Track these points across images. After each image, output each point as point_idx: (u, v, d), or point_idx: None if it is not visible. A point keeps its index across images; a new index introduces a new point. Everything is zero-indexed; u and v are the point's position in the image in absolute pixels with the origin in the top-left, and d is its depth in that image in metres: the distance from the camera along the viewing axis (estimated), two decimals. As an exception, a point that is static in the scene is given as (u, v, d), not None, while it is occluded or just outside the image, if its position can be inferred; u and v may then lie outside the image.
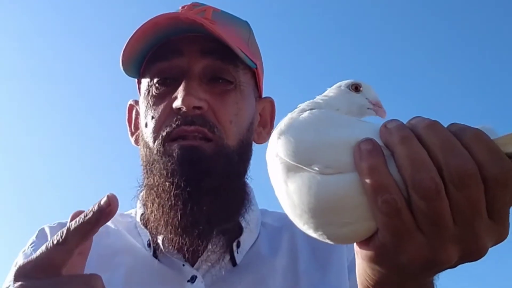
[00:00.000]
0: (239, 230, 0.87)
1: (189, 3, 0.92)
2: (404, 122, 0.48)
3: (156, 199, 0.82)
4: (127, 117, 0.98)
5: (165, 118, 0.83)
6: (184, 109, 0.81)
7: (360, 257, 0.51)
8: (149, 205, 0.84)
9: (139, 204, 0.92)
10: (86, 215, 0.56)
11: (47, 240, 0.82)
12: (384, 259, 0.48)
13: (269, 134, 0.96)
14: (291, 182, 0.49)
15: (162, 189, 0.81)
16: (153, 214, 0.83)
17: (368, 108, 0.55)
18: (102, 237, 0.89)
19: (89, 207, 0.57)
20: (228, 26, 0.88)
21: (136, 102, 0.96)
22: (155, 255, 0.86)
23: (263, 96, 0.97)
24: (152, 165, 0.83)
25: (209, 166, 0.81)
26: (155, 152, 0.83)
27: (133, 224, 0.92)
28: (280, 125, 0.51)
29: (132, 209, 0.96)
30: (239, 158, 0.86)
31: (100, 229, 0.88)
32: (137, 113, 0.95)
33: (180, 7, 0.91)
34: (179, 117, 0.81)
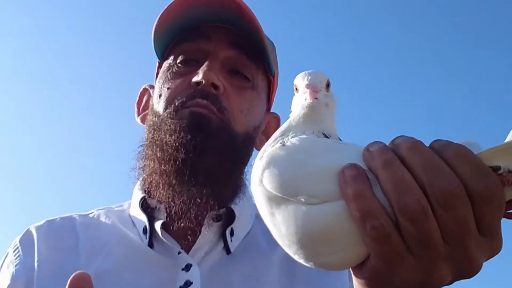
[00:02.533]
0: (232, 218, 0.86)
1: None
2: (387, 143, 0.48)
3: (158, 150, 0.83)
4: (137, 100, 0.99)
5: (182, 90, 0.85)
6: (203, 82, 0.83)
7: (355, 280, 0.51)
8: (148, 160, 0.85)
9: (137, 191, 0.91)
10: None
11: (32, 246, 0.85)
12: (378, 283, 0.48)
13: None
14: (278, 213, 0.48)
15: (167, 140, 0.82)
16: (151, 166, 0.84)
17: (307, 102, 0.52)
18: (93, 229, 0.89)
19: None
20: (260, 25, 0.89)
21: (151, 87, 0.97)
22: (150, 243, 0.84)
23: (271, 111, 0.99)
24: (160, 125, 0.84)
25: (215, 132, 0.82)
26: (165, 115, 0.84)
27: (127, 215, 0.91)
28: (263, 158, 0.51)
29: (126, 201, 0.95)
30: (243, 146, 0.87)
31: (89, 222, 0.90)
32: (149, 96, 0.96)
33: None
34: (195, 90, 0.83)
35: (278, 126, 0.98)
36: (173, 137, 0.81)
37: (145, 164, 0.88)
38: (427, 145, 0.47)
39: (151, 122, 0.87)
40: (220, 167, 0.82)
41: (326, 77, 0.54)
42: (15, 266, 0.84)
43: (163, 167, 0.82)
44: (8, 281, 0.82)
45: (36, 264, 0.83)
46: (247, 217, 0.89)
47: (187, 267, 0.81)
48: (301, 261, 0.49)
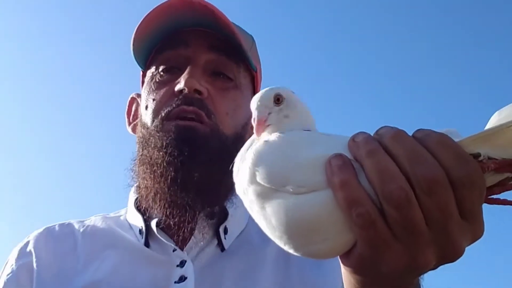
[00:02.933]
0: (225, 216, 0.88)
1: None
2: (371, 134, 0.50)
3: (148, 167, 0.85)
4: (126, 109, 1.01)
5: (166, 100, 0.87)
6: (186, 90, 0.85)
7: (343, 268, 0.52)
8: (141, 175, 0.87)
9: (132, 193, 0.95)
10: None
11: (30, 254, 0.87)
12: (366, 269, 0.49)
13: None
14: (267, 205, 0.50)
15: (155, 158, 0.84)
16: (144, 183, 0.86)
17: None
18: (90, 234, 0.92)
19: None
20: (235, 27, 0.91)
21: (138, 95, 0.99)
22: (146, 243, 0.87)
23: None
24: (148, 140, 0.86)
25: (204, 143, 0.84)
26: (152, 128, 0.86)
27: (124, 219, 0.94)
28: (250, 153, 0.52)
29: (122, 209, 0.98)
30: (234, 147, 0.86)
31: (87, 227, 0.93)
32: (138, 105, 0.98)
33: None
34: (180, 97, 0.85)
35: None
36: (161, 153, 0.83)
37: (138, 181, 0.91)
38: (410, 134, 0.49)
39: (141, 134, 0.90)
40: (211, 178, 0.84)
41: (273, 93, 0.54)
42: (7, 275, 0.87)
43: (156, 185, 0.84)
44: None
45: (35, 270, 0.87)
46: (241, 215, 0.90)
47: (182, 264, 0.83)
48: (291, 251, 0.50)
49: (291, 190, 0.48)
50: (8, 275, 0.87)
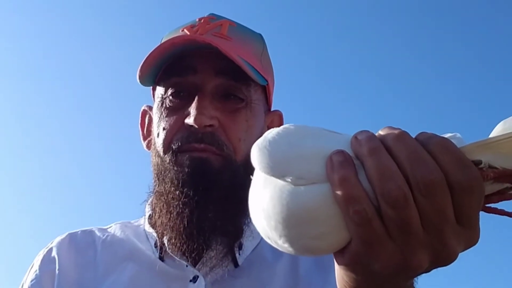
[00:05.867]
0: (241, 233, 0.90)
1: (205, 16, 0.96)
2: (375, 133, 0.50)
3: (165, 205, 0.87)
4: (140, 122, 1.03)
5: (176, 131, 0.88)
6: (195, 126, 0.85)
7: (336, 266, 0.53)
8: (157, 211, 0.89)
9: (147, 208, 0.98)
10: None
11: (54, 261, 0.92)
12: (359, 267, 0.49)
13: None
14: (266, 193, 0.50)
15: (172, 196, 0.86)
16: (160, 220, 0.88)
17: None
18: (109, 245, 0.96)
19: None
20: (243, 41, 0.91)
21: (150, 108, 1.00)
22: (161, 257, 0.90)
23: (273, 109, 1.01)
24: (164, 173, 0.88)
25: (217, 177, 0.85)
26: (167, 161, 0.88)
27: (142, 230, 0.97)
28: (257, 141, 0.53)
29: (142, 217, 1.01)
30: (245, 171, 0.88)
31: (107, 237, 0.98)
32: (150, 119, 0.99)
33: (197, 19, 0.95)
34: (190, 133, 0.86)
35: (281, 122, 1.02)
36: (177, 192, 0.85)
37: (154, 212, 0.93)
38: (413, 136, 0.49)
39: (155, 162, 0.92)
40: (225, 214, 0.86)
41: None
42: (31, 281, 0.93)
43: (171, 224, 0.86)
44: None
45: (56, 277, 0.92)
46: (255, 231, 0.91)
47: (195, 279, 0.87)
48: (286, 245, 0.50)
49: (289, 180, 0.49)
50: (32, 281, 0.93)
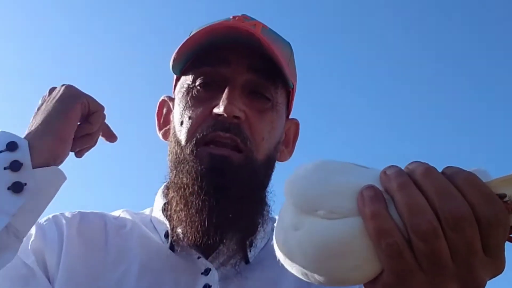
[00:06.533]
0: (255, 231, 0.90)
1: (239, 15, 0.95)
2: (402, 167, 0.52)
3: (182, 199, 0.85)
4: (156, 111, 1.02)
5: (202, 120, 0.87)
6: (224, 115, 0.84)
7: None
8: (173, 203, 0.88)
9: (160, 197, 0.95)
10: None
11: (61, 232, 0.87)
12: None
13: (290, 153, 1.02)
14: (300, 227, 0.53)
15: (191, 191, 0.84)
16: (177, 213, 0.87)
17: None
18: (121, 231, 0.93)
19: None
20: (274, 43, 0.91)
21: (170, 98, 1.00)
22: (171, 247, 0.89)
23: (291, 116, 1.02)
24: (182, 164, 0.87)
25: (237, 176, 0.84)
26: (187, 152, 0.86)
27: (148, 219, 0.96)
28: (289, 177, 0.55)
29: (146, 208, 1.00)
30: (265, 172, 0.90)
31: (118, 223, 0.95)
32: (169, 109, 0.99)
33: (231, 17, 0.95)
34: (216, 122, 0.85)
35: (297, 132, 1.03)
36: (195, 187, 0.84)
37: (169, 204, 0.91)
38: (440, 170, 0.52)
39: (174, 151, 0.90)
40: (243, 213, 0.85)
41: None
42: (31, 240, 0.87)
43: (188, 218, 0.85)
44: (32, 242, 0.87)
45: (63, 250, 0.87)
46: (267, 230, 0.93)
47: (206, 271, 0.86)
48: (320, 277, 0.52)
49: (322, 214, 0.51)
50: (36, 237, 0.88)
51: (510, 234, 0.51)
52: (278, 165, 0.97)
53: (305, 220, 0.52)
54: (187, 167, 0.85)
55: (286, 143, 1.01)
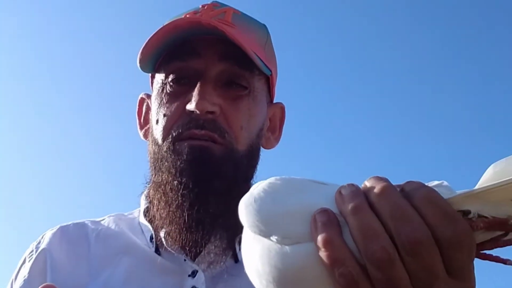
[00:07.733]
0: (242, 227, 0.88)
1: (209, 3, 0.93)
2: (360, 185, 0.49)
3: (163, 197, 0.84)
4: (137, 110, 1.00)
5: (177, 118, 0.85)
6: (197, 112, 0.83)
7: None
8: (155, 203, 0.87)
9: (143, 200, 0.94)
10: None
11: (44, 253, 0.86)
12: None
13: (277, 140, 0.99)
14: (255, 251, 0.50)
15: (170, 187, 0.83)
16: (159, 212, 0.85)
17: None
18: (103, 238, 0.92)
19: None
20: (247, 29, 0.88)
21: (148, 96, 0.98)
22: (157, 251, 0.87)
23: (275, 101, 0.98)
24: (160, 162, 0.85)
25: (218, 168, 0.82)
26: (164, 149, 0.85)
27: (136, 223, 0.94)
28: (243, 197, 0.52)
29: (136, 209, 0.98)
30: (248, 162, 0.88)
31: (101, 230, 0.93)
32: (148, 107, 0.97)
33: (200, 6, 0.92)
34: (190, 119, 0.84)
35: (283, 115, 0.99)
36: (175, 182, 0.82)
37: (151, 205, 0.90)
38: (401, 183, 0.48)
39: (152, 151, 0.88)
40: (226, 207, 0.82)
41: None
42: (23, 279, 0.88)
43: (170, 216, 0.83)
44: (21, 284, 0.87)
45: (48, 273, 0.87)
46: None
47: (193, 273, 0.84)
48: None
49: (275, 239, 0.48)
50: (23, 279, 0.88)
51: (480, 250, 0.48)
52: (267, 152, 0.95)
53: (259, 243, 0.50)
54: (166, 164, 0.84)
55: (272, 129, 0.98)
